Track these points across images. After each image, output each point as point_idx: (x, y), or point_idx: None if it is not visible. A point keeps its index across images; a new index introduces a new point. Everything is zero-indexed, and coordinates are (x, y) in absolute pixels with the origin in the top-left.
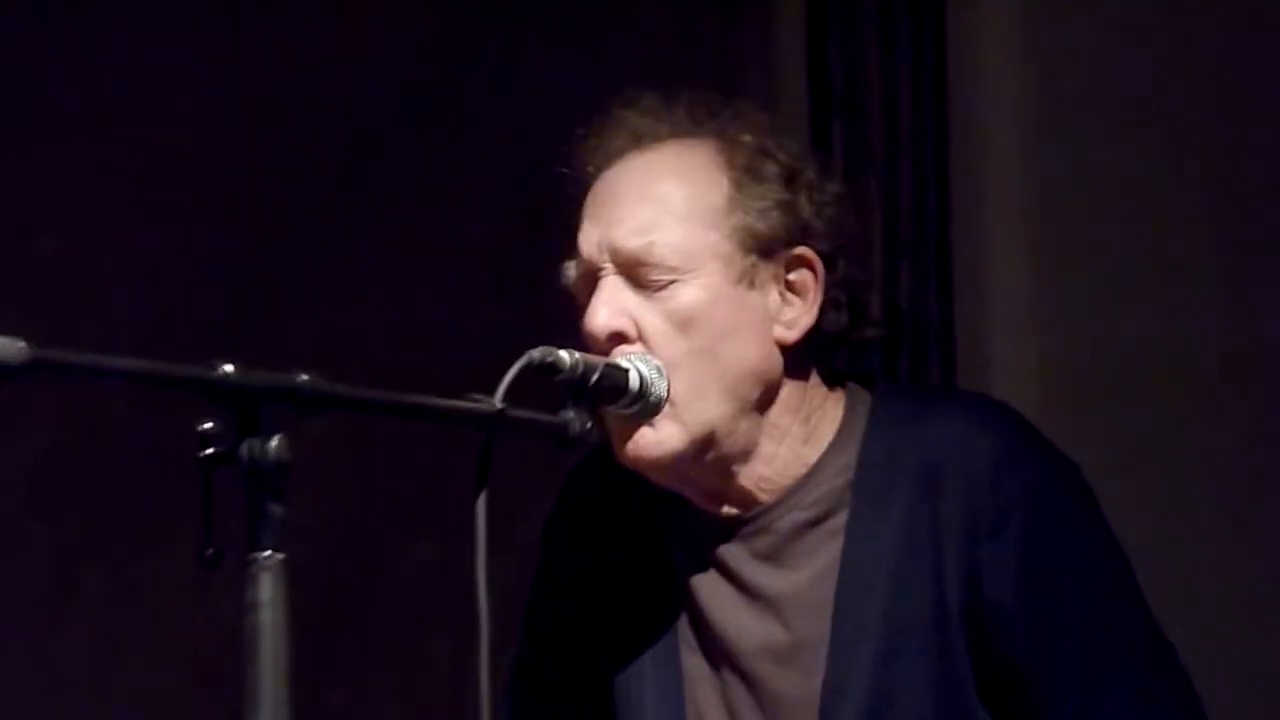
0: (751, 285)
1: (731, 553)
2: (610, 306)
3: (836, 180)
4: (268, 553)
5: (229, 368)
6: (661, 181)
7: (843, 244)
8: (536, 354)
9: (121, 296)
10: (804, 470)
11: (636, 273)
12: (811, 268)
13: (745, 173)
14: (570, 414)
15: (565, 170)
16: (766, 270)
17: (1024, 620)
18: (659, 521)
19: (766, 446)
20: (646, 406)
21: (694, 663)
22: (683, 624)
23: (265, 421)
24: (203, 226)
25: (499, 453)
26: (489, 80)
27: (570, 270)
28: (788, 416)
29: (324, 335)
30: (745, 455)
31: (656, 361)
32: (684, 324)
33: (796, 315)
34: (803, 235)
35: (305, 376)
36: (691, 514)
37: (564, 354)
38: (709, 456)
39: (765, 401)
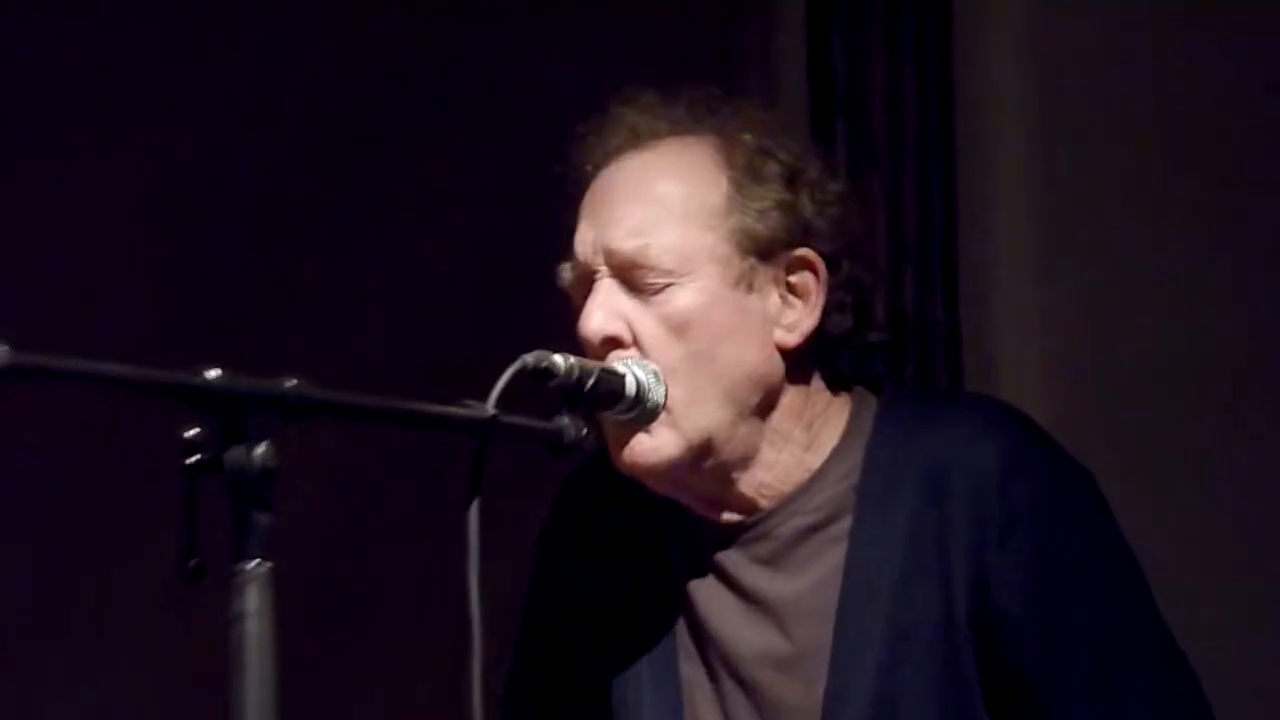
0: (750, 288)
1: (731, 559)
2: (604, 310)
3: (840, 179)
4: (254, 563)
5: (214, 373)
6: (659, 181)
7: (846, 244)
8: (530, 359)
9: (116, 299)
10: (806, 476)
11: (632, 275)
12: (813, 269)
13: (745, 172)
14: (565, 420)
15: (564, 169)
16: (766, 273)
17: (1033, 629)
18: (657, 528)
19: (767, 453)
20: (644, 412)
21: (692, 671)
22: (681, 632)
23: (251, 428)
24: (195, 228)
25: (492, 460)
26: (487, 78)
27: (566, 272)
28: (789, 422)
29: (319, 336)
30: (745, 462)
31: (654, 366)
32: (680, 328)
33: (798, 318)
34: (804, 236)
35: (292, 382)
36: (690, 520)
37: (559, 358)
38: (707, 463)
39: (766, 407)
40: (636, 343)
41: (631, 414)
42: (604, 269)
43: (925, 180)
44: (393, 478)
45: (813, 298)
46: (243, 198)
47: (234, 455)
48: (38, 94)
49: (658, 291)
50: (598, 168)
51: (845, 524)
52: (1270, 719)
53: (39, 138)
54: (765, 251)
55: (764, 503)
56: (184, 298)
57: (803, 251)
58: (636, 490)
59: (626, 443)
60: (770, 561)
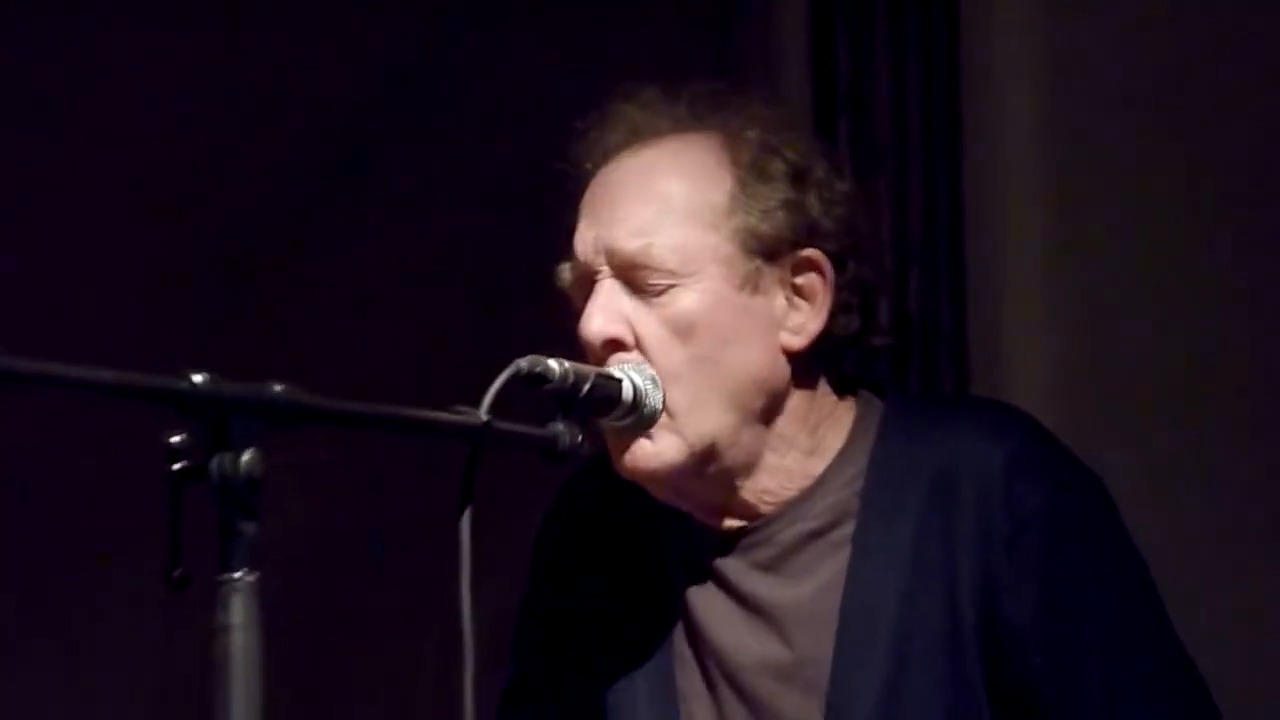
0: (756, 290)
1: (730, 565)
2: (606, 312)
3: (846, 178)
4: (240, 573)
5: (199, 377)
6: (661, 179)
7: (853, 245)
8: (524, 363)
9: (112, 299)
10: (809, 482)
11: (634, 276)
12: (820, 271)
13: (750, 170)
14: (560, 427)
15: (563, 167)
16: (771, 274)
17: (1041, 639)
18: (655, 534)
19: (770, 458)
20: (641, 418)
21: (690, 681)
22: (679, 641)
23: (237, 434)
24: (191, 228)
25: (486, 467)
26: (486, 78)
27: (566, 272)
28: (794, 427)
29: (314, 337)
30: (748, 468)
31: (651, 371)
32: (683, 331)
33: (804, 321)
34: (810, 236)
35: (279, 387)
36: (689, 527)
37: (553, 363)
38: (710, 469)
39: (770, 411)
40: (639, 345)
41: (628, 420)
42: (605, 269)
43: (930, 179)
44: (383, 485)
45: (819, 300)
46: (240, 198)
47: (219, 462)
48: (34, 93)
49: (661, 293)
50: (597, 165)
51: (848, 530)
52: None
53: (34, 137)
54: (771, 252)
55: (765, 508)
56: (181, 297)
57: (809, 252)
58: (634, 496)
59: (628, 447)
60: (771, 568)
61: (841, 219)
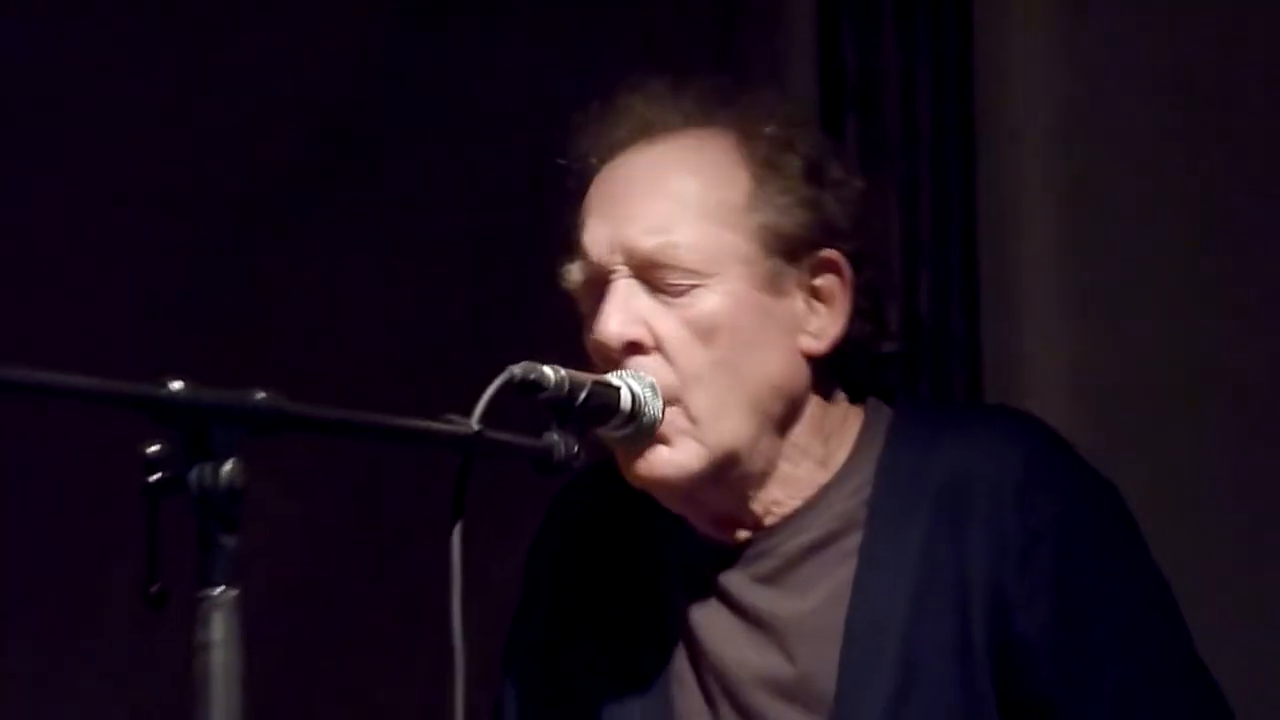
0: (777, 291)
1: (731, 578)
2: (624, 313)
3: (858, 176)
4: (220, 589)
5: (177, 385)
6: (676, 176)
7: (868, 246)
8: (518, 370)
9: (100, 300)
10: (815, 492)
11: (652, 275)
12: (839, 272)
13: (766, 167)
14: (555, 436)
15: (564, 161)
16: (791, 275)
17: (1055, 654)
18: (652, 547)
19: (784, 468)
20: (640, 429)
21: (688, 699)
22: (677, 657)
23: (217, 444)
24: (182, 227)
25: (478, 477)
26: (485, 79)
27: (574, 272)
28: (808, 436)
29: (305, 339)
30: (763, 477)
31: (650, 379)
32: (706, 333)
33: (824, 324)
34: (828, 236)
35: (261, 394)
36: (689, 538)
37: (548, 370)
38: (727, 478)
39: (788, 419)
40: (658, 347)
41: (626, 430)
42: (621, 269)
43: (942, 178)
44: (370, 496)
45: (837, 303)
46: (230, 200)
47: (199, 473)
48: (22, 89)
49: (682, 293)
50: (603, 160)
51: (855, 540)
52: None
53: (21, 134)
54: (791, 252)
55: (771, 520)
56: (168, 300)
57: (828, 253)
58: (630, 507)
59: (642, 454)
60: (773, 580)
61: (857, 219)
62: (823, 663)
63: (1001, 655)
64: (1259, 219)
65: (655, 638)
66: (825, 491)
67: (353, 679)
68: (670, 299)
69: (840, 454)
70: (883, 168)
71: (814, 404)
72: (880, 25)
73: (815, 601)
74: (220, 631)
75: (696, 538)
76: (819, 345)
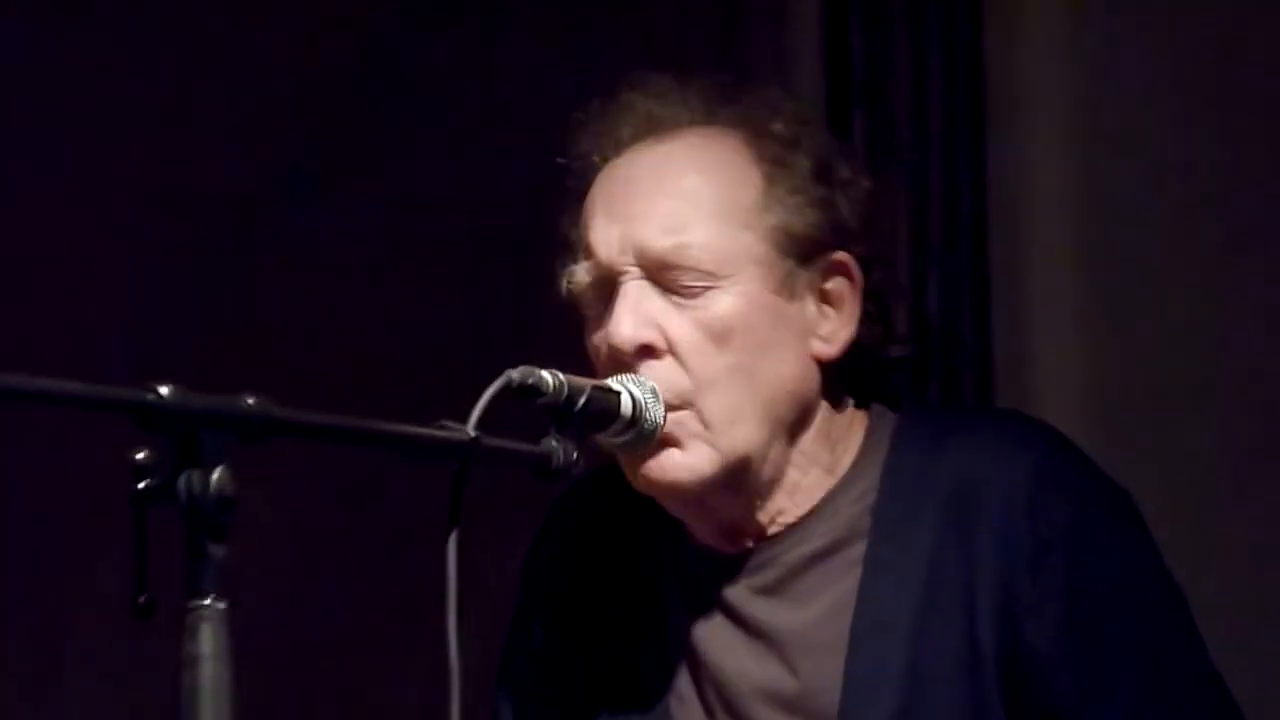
0: (790, 294)
1: (732, 588)
2: (637, 315)
3: (866, 175)
4: (209, 600)
5: (165, 389)
6: (687, 175)
7: (877, 247)
8: (515, 375)
9: (80, 311)
10: (819, 500)
11: (664, 277)
12: (849, 275)
13: (776, 165)
14: (554, 443)
15: (563, 161)
16: (802, 278)
17: (1066, 666)
18: (652, 557)
19: (793, 476)
20: (640, 435)
21: (687, 713)
22: (676, 670)
23: (206, 451)
24: (168, 226)
25: (475, 482)
26: (484, 79)
27: (579, 274)
28: (817, 443)
29: (292, 346)
30: (771, 485)
31: (651, 383)
32: (721, 336)
33: (835, 329)
34: (839, 238)
35: (252, 400)
36: (689, 548)
37: (546, 375)
38: (738, 485)
39: (798, 427)
40: (671, 350)
41: (626, 436)
42: (633, 270)
43: (952, 175)
44: (363, 504)
45: (847, 306)
46: (224, 200)
47: (188, 480)
48: (23, 89)
49: (696, 295)
50: (607, 158)
51: (859, 549)
52: None
53: (21, 134)
54: (804, 253)
55: (774, 529)
56: (158, 303)
57: (839, 255)
58: (629, 515)
59: (653, 456)
60: (774, 590)
61: (866, 219)
62: (826, 675)
63: (1010, 663)
64: (1272, 221)
65: (654, 649)
66: (829, 499)
67: (349, 682)
68: (683, 301)
69: (845, 460)
70: (891, 166)
71: (823, 410)
72: (888, 17)
73: (818, 612)
74: (209, 644)
75: (697, 547)
76: (830, 350)
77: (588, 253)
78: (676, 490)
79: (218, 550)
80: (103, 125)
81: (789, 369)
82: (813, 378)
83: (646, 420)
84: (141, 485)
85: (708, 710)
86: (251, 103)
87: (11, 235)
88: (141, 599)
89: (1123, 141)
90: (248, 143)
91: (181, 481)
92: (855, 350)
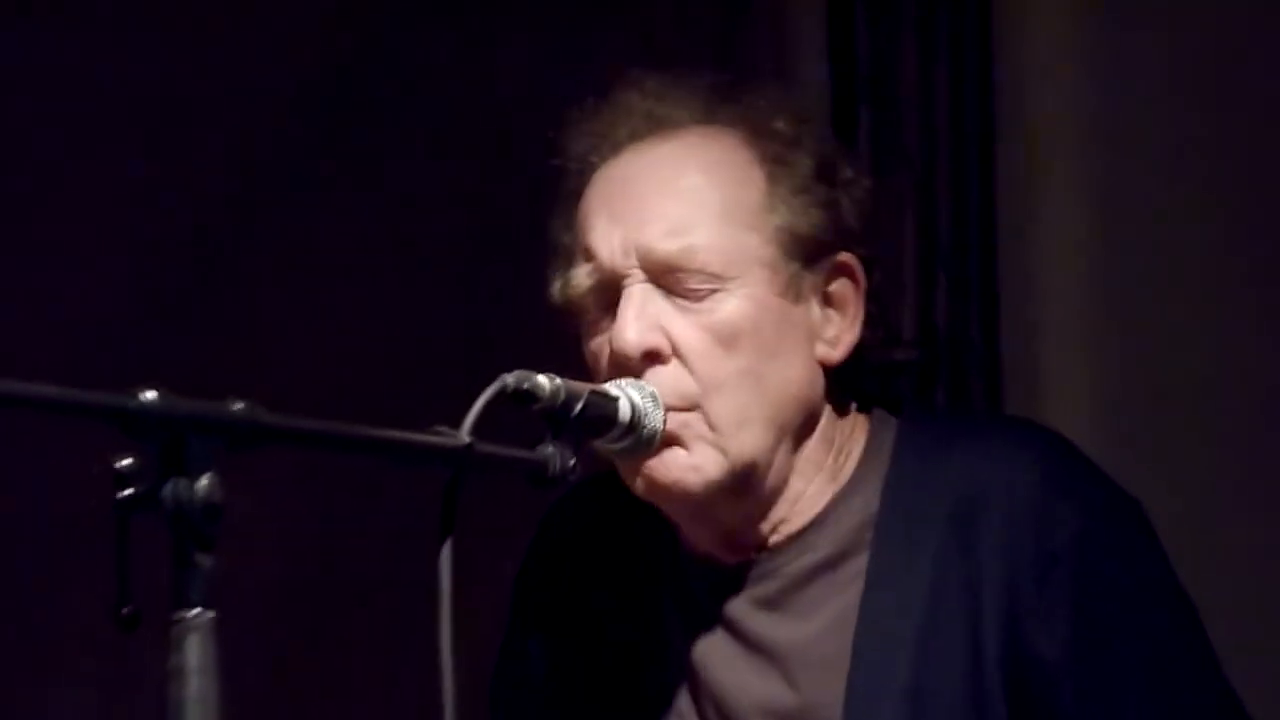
0: (796, 297)
1: (731, 601)
2: (643, 320)
3: (866, 175)
4: (195, 611)
5: (150, 394)
6: (690, 175)
7: (877, 248)
8: (511, 379)
9: (71, 313)
10: (821, 509)
11: (670, 280)
12: (853, 277)
13: (778, 165)
14: (550, 449)
15: (558, 161)
16: (807, 280)
17: (1073, 680)
18: (649, 568)
19: (796, 484)
20: (639, 441)
21: None
22: (674, 686)
23: (193, 458)
24: (165, 226)
25: (471, 487)
26: (483, 79)
27: (579, 277)
28: (821, 451)
29: (285, 350)
30: (775, 493)
31: (651, 388)
32: (728, 340)
33: (839, 332)
34: (842, 239)
35: (240, 405)
36: (687, 559)
37: (543, 380)
38: (743, 492)
39: (803, 432)
40: (677, 354)
41: (625, 442)
42: (637, 273)
43: (961, 176)
44: (354, 511)
45: (851, 309)
46: (219, 200)
47: (173, 488)
48: (22, 89)
49: (702, 298)
50: (605, 159)
51: (860, 562)
52: None
53: (21, 134)
54: (809, 255)
55: (776, 539)
56: (165, 296)
57: (844, 257)
58: (623, 527)
59: (657, 455)
60: (775, 604)
61: (868, 220)
62: (827, 691)
63: (1015, 677)
64: None
65: (651, 665)
66: (831, 508)
67: (339, 696)
68: (688, 304)
69: (848, 467)
70: (898, 166)
71: (826, 415)
72: (896, 14)
73: (820, 626)
74: (196, 657)
75: (695, 557)
76: (835, 353)
77: (588, 256)
78: (679, 491)
79: (204, 560)
80: (103, 125)
81: (795, 373)
82: (818, 382)
83: (645, 426)
84: (125, 493)
85: None
86: (251, 102)
87: (11, 235)
88: (126, 610)
89: (1133, 144)
90: (247, 142)
91: (166, 489)
92: (857, 353)
